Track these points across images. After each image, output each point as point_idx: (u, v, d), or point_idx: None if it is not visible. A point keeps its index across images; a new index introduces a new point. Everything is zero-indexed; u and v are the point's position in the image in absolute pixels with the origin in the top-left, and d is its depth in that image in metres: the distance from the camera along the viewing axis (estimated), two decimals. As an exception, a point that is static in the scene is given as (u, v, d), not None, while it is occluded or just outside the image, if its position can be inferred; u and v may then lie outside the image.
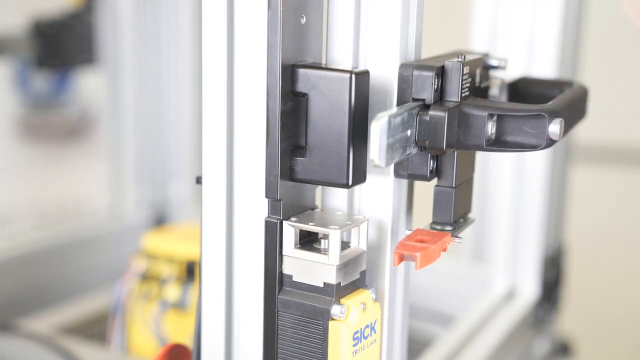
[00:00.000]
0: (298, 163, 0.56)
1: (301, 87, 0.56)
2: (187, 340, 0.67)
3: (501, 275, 1.06)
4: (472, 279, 1.14)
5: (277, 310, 0.57)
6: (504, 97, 0.68)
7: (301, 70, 0.55)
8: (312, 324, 0.56)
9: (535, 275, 1.04)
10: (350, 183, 0.55)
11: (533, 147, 0.57)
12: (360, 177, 0.56)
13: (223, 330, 0.61)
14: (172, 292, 1.00)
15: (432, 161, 0.58)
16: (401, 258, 0.55)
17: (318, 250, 0.56)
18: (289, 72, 0.55)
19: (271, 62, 0.55)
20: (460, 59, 0.57)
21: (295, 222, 0.56)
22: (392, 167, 0.58)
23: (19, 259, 1.16)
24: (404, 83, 0.57)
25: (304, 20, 0.56)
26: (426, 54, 0.61)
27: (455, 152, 0.59)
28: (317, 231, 0.56)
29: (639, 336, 2.07)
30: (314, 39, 0.57)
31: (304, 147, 0.56)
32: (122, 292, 1.02)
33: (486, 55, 0.65)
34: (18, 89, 2.15)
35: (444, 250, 0.58)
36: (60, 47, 1.29)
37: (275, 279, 0.57)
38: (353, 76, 0.54)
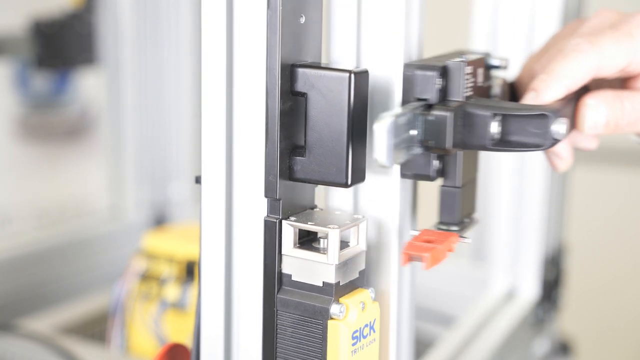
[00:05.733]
0: (297, 162, 0.56)
1: (300, 86, 0.56)
2: (187, 340, 0.67)
3: (501, 275, 1.06)
4: (472, 279, 1.14)
5: (276, 310, 0.57)
6: (505, 97, 0.68)
7: (300, 70, 0.55)
8: (311, 323, 0.56)
9: (536, 275, 1.04)
10: (349, 182, 0.55)
11: (537, 147, 0.57)
12: (359, 176, 0.56)
13: (222, 330, 0.61)
14: (172, 292, 1.00)
15: (436, 161, 0.58)
16: (409, 258, 0.55)
17: (317, 250, 0.56)
18: (288, 72, 0.55)
19: (270, 62, 0.55)
20: (463, 59, 0.57)
21: (294, 221, 0.56)
22: (396, 167, 0.58)
23: (19, 259, 1.16)
24: (407, 83, 0.57)
25: (303, 20, 0.56)
26: (426, 53, 0.61)
27: (460, 152, 0.59)
28: (316, 230, 0.56)
29: (639, 336, 2.07)
30: (313, 39, 0.57)
31: (303, 146, 0.56)
32: (122, 292, 1.02)
33: (487, 54, 0.65)
34: (18, 89, 2.15)
35: (451, 250, 0.58)
36: (60, 47, 1.29)
37: (274, 279, 0.57)
38: (352, 75, 0.54)
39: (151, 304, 1.01)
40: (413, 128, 0.55)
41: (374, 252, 0.60)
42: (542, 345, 1.10)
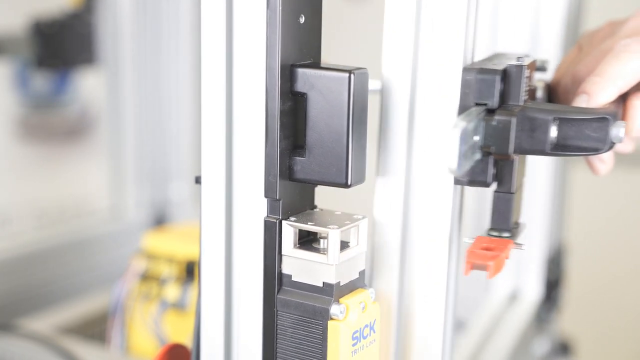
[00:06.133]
0: (297, 163, 0.56)
1: (300, 86, 0.55)
2: (187, 340, 0.67)
3: (504, 277, 1.05)
4: (474, 280, 1.14)
5: (277, 310, 0.57)
6: (544, 100, 0.66)
7: (300, 70, 0.55)
8: (311, 323, 0.56)
9: (539, 276, 1.04)
10: (349, 183, 0.55)
11: (595, 151, 0.56)
12: (359, 176, 0.56)
13: (222, 330, 0.61)
14: (172, 292, 1.00)
15: (492, 167, 0.57)
16: (472, 267, 0.54)
17: (317, 250, 0.56)
18: (288, 72, 0.55)
19: (270, 62, 0.54)
20: (521, 62, 0.56)
21: (294, 221, 0.56)
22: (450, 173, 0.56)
23: (19, 259, 1.16)
24: (467, 87, 0.55)
25: (302, 20, 0.56)
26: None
27: (516, 157, 0.57)
28: (316, 231, 0.56)
29: (639, 336, 2.07)
30: (313, 39, 0.57)
31: (303, 146, 0.56)
32: (122, 292, 1.02)
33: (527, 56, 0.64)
34: (18, 89, 2.15)
35: (507, 257, 0.56)
36: (60, 47, 1.29)
37: (274, 279, 0.57)
38: (352, 75, 0.54)
39: (151, 304, 1.01)
40: (476, 134, 0.54)
41: (423, 259, 0.58)
42: (542, 345, 1.10)
